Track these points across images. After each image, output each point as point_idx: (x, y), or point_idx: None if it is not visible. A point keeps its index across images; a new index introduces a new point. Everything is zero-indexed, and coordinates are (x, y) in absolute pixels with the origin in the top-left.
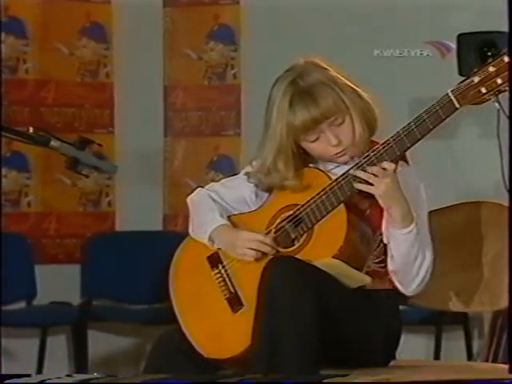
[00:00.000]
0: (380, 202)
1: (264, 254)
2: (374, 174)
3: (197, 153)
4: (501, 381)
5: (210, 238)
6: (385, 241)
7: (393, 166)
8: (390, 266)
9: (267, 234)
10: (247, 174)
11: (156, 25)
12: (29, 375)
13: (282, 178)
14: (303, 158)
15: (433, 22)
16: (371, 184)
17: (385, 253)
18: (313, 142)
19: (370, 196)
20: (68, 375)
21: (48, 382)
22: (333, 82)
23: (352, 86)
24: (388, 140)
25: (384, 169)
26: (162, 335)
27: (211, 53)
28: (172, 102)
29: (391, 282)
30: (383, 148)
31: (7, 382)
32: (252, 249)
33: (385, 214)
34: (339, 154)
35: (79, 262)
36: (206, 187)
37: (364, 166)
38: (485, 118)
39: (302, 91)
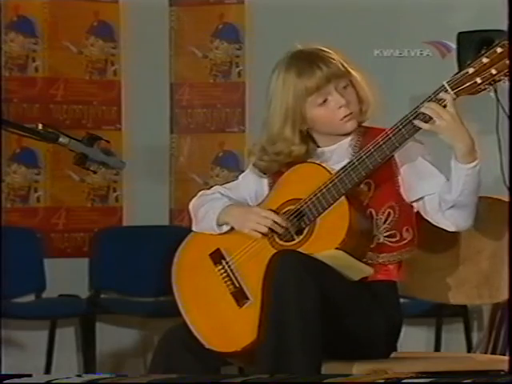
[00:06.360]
0: (443, 138)
1: (267, 246)
2: (433, 110)
3: (202, 149)
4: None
5: (219, 221)
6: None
7: (448, 96)
8: (448, 200)
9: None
10: (249, 152)
11: (162, 24)
12: (30, 375)
13: (288, 144)
14: (307, 140)
15: (433, 21)
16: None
17: (396, 227)
18: (320, 105)
19: (369, 182)
20: (78, 375)
21: (54, 382)
22: (328, 51)
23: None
24: (386, 132)
25: (442, 100)
26: (168, 333)
27: (216, 51)
28: (178, 100)
29: (399, 253)
30: (382, 140)
31: (7, 382)
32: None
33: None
34: (347, 118)
35: (87, 255)
36: (208, 191)
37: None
38: (484, 114)
39: (307, 57)
